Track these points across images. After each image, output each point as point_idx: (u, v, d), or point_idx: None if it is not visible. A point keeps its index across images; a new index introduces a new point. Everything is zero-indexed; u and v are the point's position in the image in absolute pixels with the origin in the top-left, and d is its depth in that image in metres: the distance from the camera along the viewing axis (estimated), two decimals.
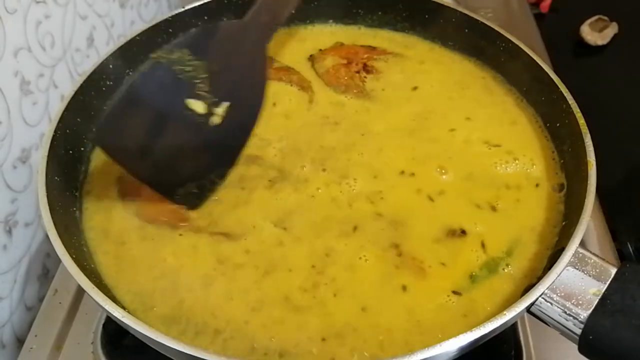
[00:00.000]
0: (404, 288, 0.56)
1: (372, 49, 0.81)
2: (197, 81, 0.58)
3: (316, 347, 0.52)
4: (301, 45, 0.82)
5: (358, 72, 0.78)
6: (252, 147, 0.66)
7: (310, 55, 0.80)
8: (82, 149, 0.68)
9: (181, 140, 0.60)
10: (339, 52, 0.80)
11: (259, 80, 0.61)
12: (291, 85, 0.76)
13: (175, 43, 0.59)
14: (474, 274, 0.57)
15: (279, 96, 0.74)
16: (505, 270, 0.57)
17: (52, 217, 0.55)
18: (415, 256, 0.58)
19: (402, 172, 0.65)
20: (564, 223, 0.60)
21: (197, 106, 0.58)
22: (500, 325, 0.47)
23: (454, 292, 0.56)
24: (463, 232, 0.60)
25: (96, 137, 0.60)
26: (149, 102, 0.58)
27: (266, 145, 0.68)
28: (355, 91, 0.75)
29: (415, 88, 0.75)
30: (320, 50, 0.81)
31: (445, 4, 0.79)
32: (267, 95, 0.65)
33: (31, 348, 0.72)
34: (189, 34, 0.61)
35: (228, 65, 0.59)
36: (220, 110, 0.58)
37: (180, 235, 0.61)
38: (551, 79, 0.67)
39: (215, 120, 0.58)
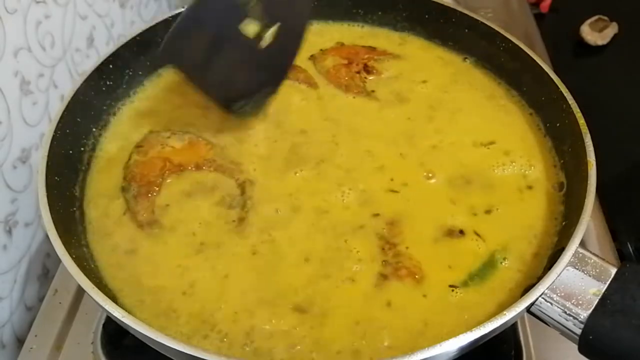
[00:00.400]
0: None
1: (372, 49, 0.81)
2: (251, 5, 0.63)
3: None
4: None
5: (359, 72, 0.78)
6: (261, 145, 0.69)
7: (311, 55, 0.80)
8: (82, 149, 0.68)
9: (236, 60, 0.65)
10: (340, 52, 0.80)
11: (307, 2, 0.67)
12: (299, 83, 0.76)
13: None
14: (473, 274, 0.57)
15: (290, 94, 0.75)
16: (505, 270, 0.57)
17: (52, 217, 0.55)
18: (414, 257, 0.58)
19: (400, 173, 0.66)
20: (564, 223, 0.60)
21: (250, 28, 0.63)
22: (500, 325, 0.47)
23: (453, 291, 0.56)
24: (461, 232, 0.60)
25: (163, 52, 0.64)
26: (207, 24, 0.62)
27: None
28: (355, 91, 0.75)
29: (414, 88, 0.75)
30: (321, 50, 0.81)
31: (445, 4, 0.79)
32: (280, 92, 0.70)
33: (31, 348, 0.72)
34: None
35: None
36: (270, 32, 0.63)
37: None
38: (551, 79, 0.67)
39: (265, 42, 0.64)
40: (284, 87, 0.73)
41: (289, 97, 0.74)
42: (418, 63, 0.79)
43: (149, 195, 0.64)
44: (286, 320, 0.54)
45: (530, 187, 0.64)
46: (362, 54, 0.80)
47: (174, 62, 0.67)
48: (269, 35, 0.63)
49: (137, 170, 0.66)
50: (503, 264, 0.58)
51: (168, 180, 0.65)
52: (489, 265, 0.58)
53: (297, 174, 0.66)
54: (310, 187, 0.64)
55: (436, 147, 0.68)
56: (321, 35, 0.83)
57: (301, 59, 0.80)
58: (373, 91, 0.76)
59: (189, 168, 0.66)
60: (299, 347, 0.52)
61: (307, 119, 0.72)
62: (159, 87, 0.77)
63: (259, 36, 0.64)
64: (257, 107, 0.70)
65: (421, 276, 0.57)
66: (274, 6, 0.64)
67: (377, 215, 0.61)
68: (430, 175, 0.65)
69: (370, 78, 0.77)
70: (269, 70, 0.67)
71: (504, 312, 0.48)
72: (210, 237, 0.61)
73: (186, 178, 0.66)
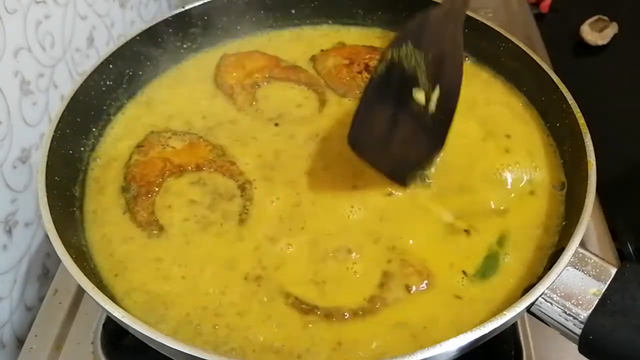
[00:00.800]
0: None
1: (373, 49, 0.80)
2: (419, 71, 0.61)
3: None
4: (302, 45, 0.82)
5: (360, 72, 0.77)
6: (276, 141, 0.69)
7: (312, 56, 0.80)
8: (82, 149, 0.68)
9: (410, 131, 0.63)
10: (341, 52, 0.80)
11: (459, 62, 0.64)
12: (299, 85, 0.76)
13: (401, 36, 0.62)
14: (473, 274, 0.57)
15: (296, 97, 0.75)
16: (505, 270, 0.57)
17: (52, 217, 0.55)
18: (418, 256, 0.58)
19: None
20: (564, 223, 0.60)
21: (420, 96, 0.61)
22: (500, 325, 0.47)
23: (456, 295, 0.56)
24: (466, 231, 0.60)
25: (351, 143, 0.64)
26: (387, 100, 0.62)
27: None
28: (357, 92, 0.75)
29: None
30: (322, 50, 0.81)
31: None
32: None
33: (31, 348, 0.72)
34: (410, 25, 0.63)
35: (437, 50, 0.62)
36: (435, 96, 0.61)
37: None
38: (551, 79, 0.67)
39: (432, 107, 0.61)
40: (287, 89, 0.73)
41: (292, 99, 0.74)
42: None
43: (149, 195, 0.64)
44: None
45: (531, 187, 0.64)
46: (363, 54, 0.79)
47: (361, 151, 0.64)
48: (434, 98, 0.61)
49: (137, 170, 0.66)
50: (503, 263, 0.58)
51: (168, 181, 0.65)
52: (489, 265, 0.58)
53: (299, 176, 0.65)
54: (311, 189, 0.64)
55: None
56: (322, 36, 0.83)
57: (302, 60, 0.80)
58: None
59: (189, 168, 0.66)
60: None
61: (308, 122, 0.72)
62: (159, 86, 0.77)
63: (427, 101, 0.62)
64: (425, 172, 0.67)
65: (428, 275, 0.57)
66: (436, 69, 0.62)
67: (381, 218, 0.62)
68: (429, 173, 0.65)
69: None
70: (435, 136, 0.63)
71: (504, 312, 0.48)
72: (210, 238, 0.61)
73: (186, 178, 0.66)
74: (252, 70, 0.77)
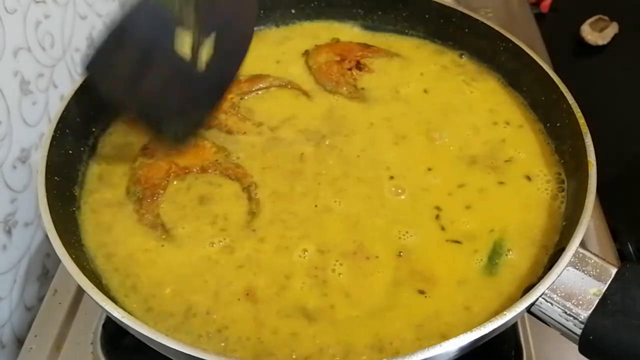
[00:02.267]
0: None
1: (367, 46, 0.80)
2: (183, 12, 0.58)
3: None
4: (298, 42, 0.82)
5: (350, 69, 0.77)
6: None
7: (306, 51, 0.80)
8: (82, 149, 0.68)
9: (167, 80, 0.60)
10: (334, 48, 0.80)
11: (248, 15, 0.61)
12: (269, 88, 0.75)
13: None
14: (473, 274, 0.57)
15: (279, 100, 0.74)
16: (505, 271, 0.57)
17: (52, 217, 0.54)
18: (421, 261, 0.58)
19: (395, 175, 0.66)
20: (564, 223, 0.60)
21: (185, 41, 0.58)
22: (501, 326, 0.47)
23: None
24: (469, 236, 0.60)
25: (86, 68, 0.59)
26: (137, 40, 0.58)
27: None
28: (344, 88, 0.75)
29: (409, 87, 0.75)
30: (316, 46, 0.81)
31: (446, 4, 0.79)
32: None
33: (31, 348, 0.72)
34: None
35: None
36: (207, 47, 0.58)
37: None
38: (551, 79, 0.67)
39: (200, 64, 0.59)
40: (265, 97, 0.73)
41: (275, 103, 0.74)
42: (414, 62, 0.79)
43: (154, 198, 0.63)
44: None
45: (530, 187, 0.64)
46: (355, 51, 0.79)
47: (99, 81, 0.61)
48: (206, 51, 0.58)
49: (142, 172, 0.65)
50: (503, 264, 0.58)
51: (174, 183, 0.65)
52: (489, 266, 0.58)
53: (302, 178, 0.65)
54: (313, 189, 0.64)
55: (432, 147, 0.68)
56: (319, 35, 0.83)
57: (295, 55, 0.80)
58: (363, 89, 0.75)
59: (194, 171, 0.65)
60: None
61: (299, 119, 0.72)
62: None
63: (195, 57, 0.59)
64: (191, 132, 0.66)
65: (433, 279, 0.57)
66: (211, 15, 0.58)
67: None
68: (429, 174, 0.65)
69: (363, 76, 0.77)
70: (206, 91, 0.61)
71: (504, 312, 0.48)
72: (216, 241, 0.60)
73: (191, 181, 0.65)
74: None
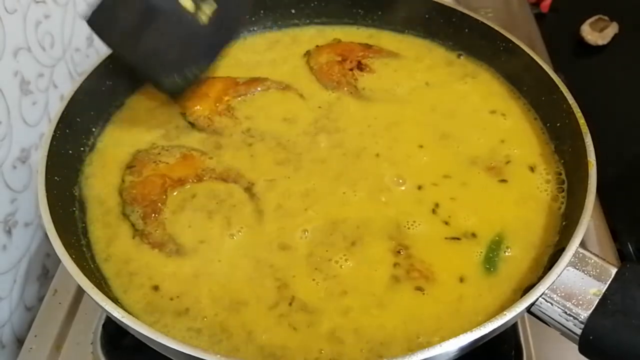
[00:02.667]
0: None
1: (368, 47, 0.81)
2: None
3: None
4: (299, 43, 0.82)
5: (351, 69, 0.77)
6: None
7: (307, 51, 0.80)
8: (82, 149, 0.68)
9: (169, 32, 0.62)
10: (335, 48, 0.80)
11: None
12: (268, 90, 0.75)
13: None
14: (472, 272, 0.57)
15: (275, 102, 0.74)
16: (505, 270, 0.57)
17: (52, 217, 0.54)
18: (422, 259, 0.58)
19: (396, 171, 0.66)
20: (564, 223, 0.60)
21: (186, 2, 0.61)
22: (501, 326, 0.47)
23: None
24: (468, 233, 0.60)
25: (87, 20, 0.62)
26: None
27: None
28: (345, 88, 0.75)
29: (409, 87, 0.75)
30: (317, 46, 0.81)
31: (446, 4, 0.79)
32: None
33: (31, 348, 0.72)
34: None
35: None
36: (208, 8, 0.61)
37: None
38: (551, 79, 0.67)
39: (203, 19, 0.62)
40: (263, 99, 0.73)
41: (272, 105, 0.74)
42: (415, 62, 0.79)
43: (155, 214, 0.62)
44: None
45: (530, 187, 0.64)
46: (357, 52, 0.79)
47: (102, 33, 0.64)
48: (208, 6, 0.61)
49: (135, 191, 0.64)
50: (503, 264, 0.57)
51: (173, 195, 0.64)
52: (488, 265, 0.58)
53: (302, 177, 0.65)
54: (312, 188, 0.64)
55: (433, 147, 0.68)
56: (320, 34, 0.83)
57: (296, 55, 0.80)
58: (364, 89, 0.75)
59: (190, 181, 0.65)
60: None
61: (297, 119, 0.72)
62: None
63: (197, 11, 0.61)
64: (189, 82, 0.69)
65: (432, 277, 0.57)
66: None
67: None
68: (429, 175, 0.65)
69: (363, 76, 0.77)
70: (204, 48, 0.64)
71: (504, 312, 0.48)
72: (225, 244, 0.60)
73: (189, 191, 0.64)
74: (217, 94, 0.74)
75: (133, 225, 0.61)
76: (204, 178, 0.65)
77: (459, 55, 0.79)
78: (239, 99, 0.74)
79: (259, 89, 0.75)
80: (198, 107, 0.73)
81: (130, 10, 0.61)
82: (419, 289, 0.56)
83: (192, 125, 0.71)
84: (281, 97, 0.75)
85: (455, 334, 0.46)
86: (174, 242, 0.60)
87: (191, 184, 0.65)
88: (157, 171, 0.65)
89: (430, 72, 0.78)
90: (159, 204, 0.63)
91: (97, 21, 0.62)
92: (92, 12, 0.61)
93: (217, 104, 0.73)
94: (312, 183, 0.65)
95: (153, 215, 0.62)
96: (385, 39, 0.83)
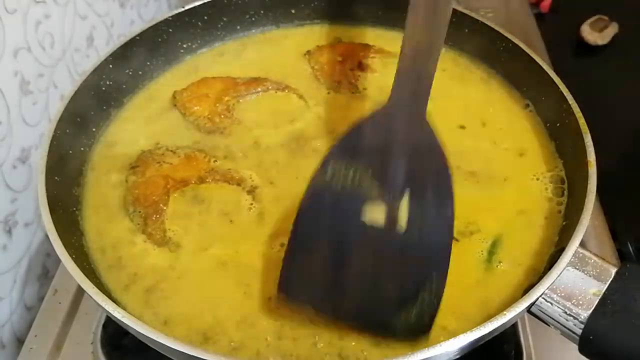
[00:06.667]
0: None
1: (368, 47, 0.80)
2: (365, 187, 0.50)
3: None
4: (299, 42, 0.82)
5: (352, 69, 0.77)
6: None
7: (308, 51, 0.80)
8: (82, 149, 0.68)
9: (372, 260, 0.50)
10: (336, 48, 0.80)
11: (437, 160, 0.50)
12: (267, 91, 0.75)
13: (326, 160, 0.51)
14: (471, 272, 0.57)
15: (275, 103, 0.74)
16: (504, 270, 0.57)
17: (52, 217, 0.54)
18: None
19: None
20: (564, 223, 0.60)
21: (377, 213, 0.49)
22: (501, 326, 0.47)
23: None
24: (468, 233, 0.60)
25: (282, 290, 0.51)
26: (322, 233, 0.50)
27: None
28: (346, 88, 0.75)
29: None
30: (318, 46, 0.81)
31: None
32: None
33: (31, 348, 0.72)
34: (336, 146, 0.53)
35: (391, 154, 0.51)
36: (403, 206, 0.48)
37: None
38: (551, 79, 0.67)
39: (402, 223, 0.49)
40: (262, 100, 0.73)
41: (272, 106, 0.74)
42: None
43: (158, 215, 0.62)
44: None
45: (530, 187, 0.64)
46: (357, 51, 0.79)
47: (298, 300, 0.52)
48: (403, 210, 0.48)
49: (138, 191, 0.63)
50: (502, 264, 0.58)
51: (174, 196, 0.64)
52: (487, 265, 0.58)
53: (302, 177, 0.65)
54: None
55: None
56: (320, 34, 0.83)
57: (297, 55, 0.80)
58: (365, 89, 0.75)
59: (193, 182, 0.65)
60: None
61: (297, 120, 0.72)
62: (160, 85, 0.77)
63: (391, 219, 0.49)
64: (430, 312, 0.50)
65: None
66: (397, 174, 0.49)
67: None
68: None
69: (364, 76, 0.77)
70: (424, 261, 0.49)
71: (504, 312, 0.47)
72: (228, 247, 0.60)
73: (192, 192, 0.64)
74: (217, 95, 0.74)
75: (134, 225, 0.61)
76: (207, 179, 0.65)
77: (460, 55, 0.79)
78: (239, 99, 0.74)
79: (259, 89, 0.75)
80: (198, 107, 0.72)
81: (319, 257, 0.50)
82: None
83: (192, 125, 0.71)
84: (281, 97, 0.75)
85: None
86: (174, 243, 0.60)
87: (193, 185, 0.65)
88: (161, 172, 0.65)
89: None
90: (161, 205, 0.62)
91: (292, 289, 0.50)
92: (283, 282, 0.50)
93: (217, 104, 0.73)
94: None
95: (155, 216, 0.61)
96: (386, 38, 0.83)
